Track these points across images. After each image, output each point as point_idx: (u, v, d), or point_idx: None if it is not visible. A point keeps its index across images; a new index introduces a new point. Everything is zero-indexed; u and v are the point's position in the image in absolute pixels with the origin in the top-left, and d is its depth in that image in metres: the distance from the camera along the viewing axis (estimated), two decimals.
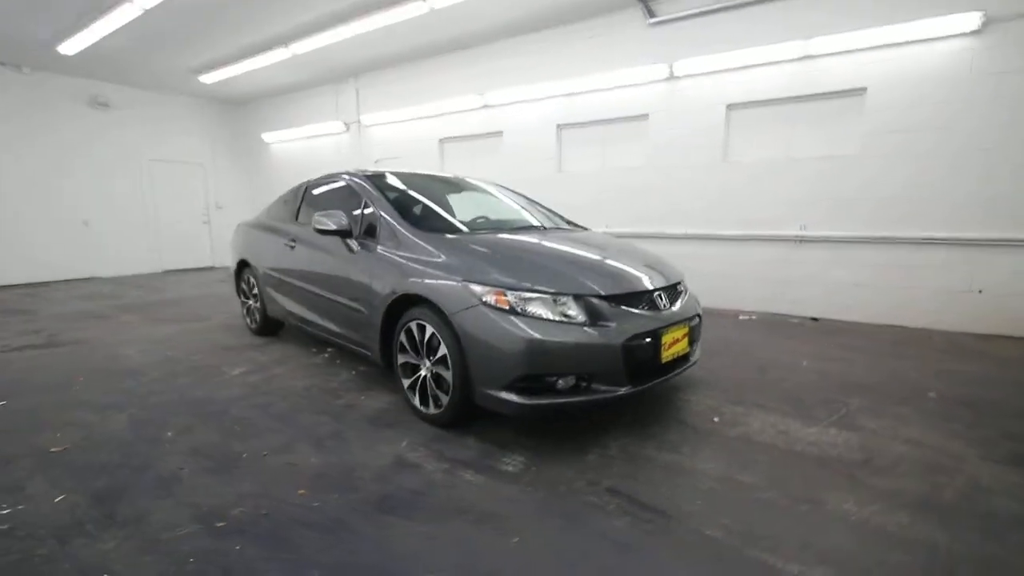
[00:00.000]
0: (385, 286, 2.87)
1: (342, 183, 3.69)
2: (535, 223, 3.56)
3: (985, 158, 4.46)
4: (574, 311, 2.35)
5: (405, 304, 2.80)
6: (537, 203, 4.12)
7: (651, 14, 5.81)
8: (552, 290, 2.37)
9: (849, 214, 5.08)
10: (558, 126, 6.79)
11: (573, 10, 6.12)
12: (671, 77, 5.82)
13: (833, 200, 5.14)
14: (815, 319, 5.30)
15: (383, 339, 2.96)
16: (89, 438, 2.59)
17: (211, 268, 10.43)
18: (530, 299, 2.34)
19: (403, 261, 2.80)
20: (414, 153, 8.24)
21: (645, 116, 6.12)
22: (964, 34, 4.40)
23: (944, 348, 4.19)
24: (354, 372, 3.62)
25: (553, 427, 2.67)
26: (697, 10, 5.53)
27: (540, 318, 2.30)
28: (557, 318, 2.31)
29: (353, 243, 3.19)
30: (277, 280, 4.11)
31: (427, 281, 2.60)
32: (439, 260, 2.66)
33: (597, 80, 6.27)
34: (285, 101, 10.01)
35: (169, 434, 2.63)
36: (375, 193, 3.28)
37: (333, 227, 3.14)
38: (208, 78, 8.42)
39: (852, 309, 5.18)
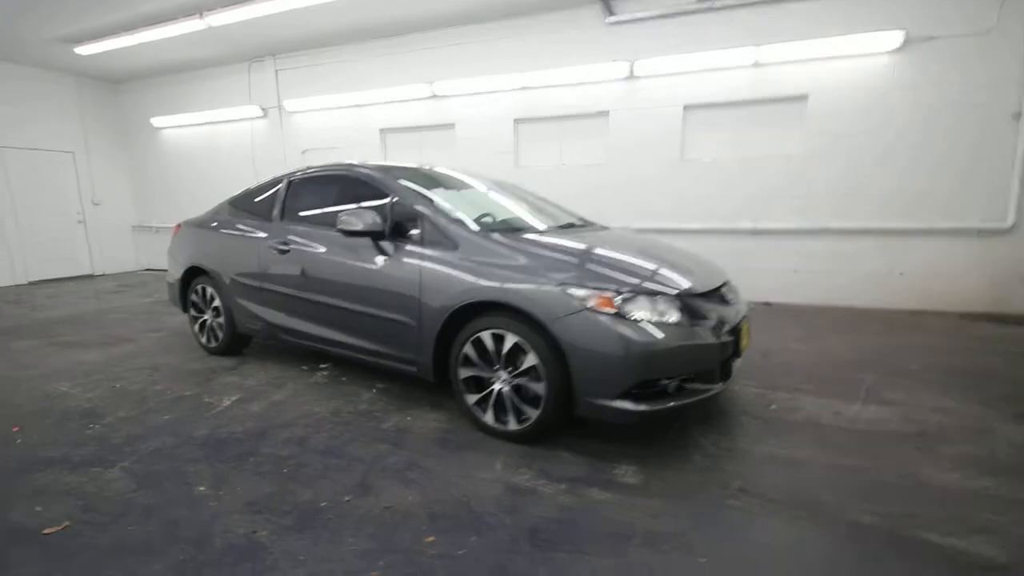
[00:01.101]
0: (444, 293, 2.58)
1: (347, 175, 3.27)
2: (569, 221, 3.43)
3: (903, 159, 5.19)
4: (675, 310, 2.29)
5: (468, 313, 2.55)
6: (544, 198, 3.99)
7: (610, 12, 5.91)
8: (658, 290, 2.30)
9: (793, 208, 5.63)
10: (515, 120, 6.66)
11: (530, 2, 6.02)
12: (631, 76, 5.98)
13: (780, 196, 5.66)
14: (768, 304, 5.83)
15: (437, 352, 2.68)
16: (92, 507, 2.00)
17: (91, 276, 8.72)
18: (635, 301, 2.24)
19: (469, 264, 2.54)
20: (351, 144, 7.59)
21: (605, 113, 6.23)
22: (888, 52, 5.07)
23: (887, 323, 4.83)
24: (374, 390, 3.24)
25: (631, 432, 2.58)
26: (655, 13, 5.74)
27: (648, 320, 2.21)
28: (662, 319, 2.24)
29: (387, 245, 2.83)
30: (256, 290, 3.52)
31: (511, 286, 2.37)
32: (519, 263, 2.44)
33: (556, 75, 6.24)
34: (182, 80, 8.64)
35: (202, 489, 2.12)
36: (409, 188, 2.94)
37: (362, 227, 2.77)
38: (86, 49, 6.97)
39: (797, 293, 5.77)
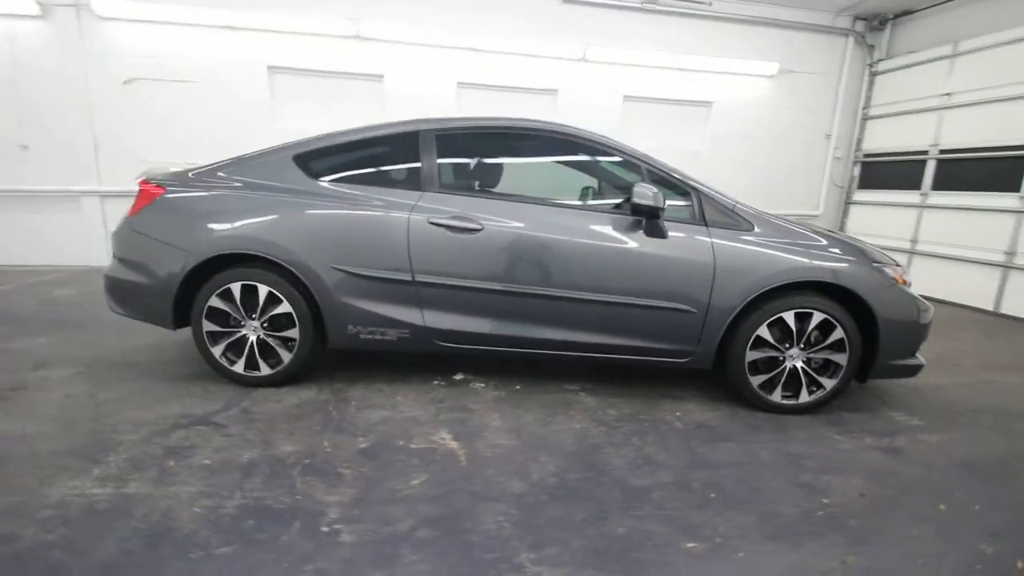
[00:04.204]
0: (749, 276, 2.46)
1: (552, 137, 2.70)
2: None
3: (768, 160, 6.94)
4: None
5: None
6: None
7: None
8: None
9: None
10: (459, 84, 6.04)
11: None
12: (583, 59, 6.17)
13: None
14: None
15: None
16: None
17: None
18: (908, 276, 2.66)
19: (780, 244, 2.51)
20: (215, 80, 5.53)
21: (554, 92, 6.27)
22: (768, 76, 6.64)
23: None
24: (581, 392, 2.80)
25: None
26: (605, 2, 6.05)
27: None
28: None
29: (663, 225, 2.49)
30: (400, 284, 2.52)
31: (835, 265, 2.48)
32: (821, 243, 2.56)
33: (508, 42, 5.94)
34: None
35: None
36: (657, 160, 2.62)
37: (654, 204, 2.38)
38: None
39: None
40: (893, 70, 6.45)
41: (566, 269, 2.51)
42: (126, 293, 2.68)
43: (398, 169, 2.68)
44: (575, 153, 2.77)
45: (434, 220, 2.50)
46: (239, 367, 2.64)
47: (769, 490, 1.96)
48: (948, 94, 5.67)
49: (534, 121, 2.72)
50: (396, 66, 5.85)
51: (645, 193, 2.36)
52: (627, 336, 2.58)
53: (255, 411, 2.43)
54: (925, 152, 5.95)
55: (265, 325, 2.60)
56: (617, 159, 2.70)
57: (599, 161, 2.80)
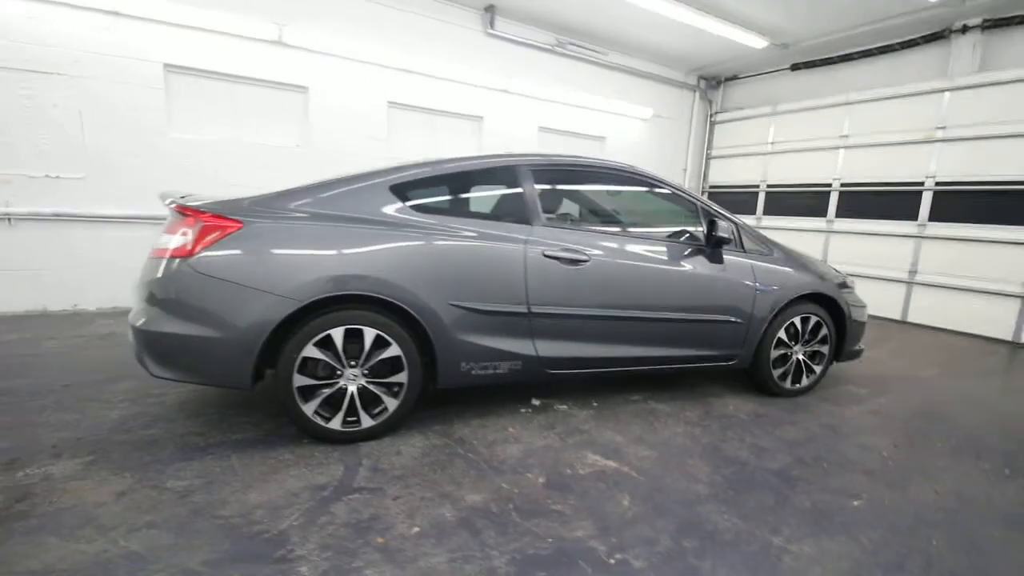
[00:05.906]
0: (776, 292, 3.12)
1: (616, 174, 3.12)
2: None
3: None
4: None
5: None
6: None
7: (492, 25, 6.25)
8: None
9: None
10: (390, 103, 5.85)
11: None
12: (506, 91, 6.54)
13: None
14: None
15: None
16: None
17: None
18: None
19: (793, 265, 3.23)
20: (91, 74, 4.40)
21: (480, 118, 6.50)
22: (644, 119, 7.90)
23: None
24: (648, 401, 3.13)
25: None
26: (525, 40, 6.54)
27: None
28: None
29: (722, 252, 3.00)
30: (517, 317, 2.55)
31: (821, 281, 3.27)
32: (812, 264, 3.36)
33: (436, 66, 5.99)
34: None
35: None
36: (705, 202, 3.13)
37: (728, 236, 2.89)
38: None
39: None
40: (728, 121, 8.28)
41: (657, 293, 2.85)
42: (182, 351, 2.15)
43: (504, 202, 2.70)
44: (643, 190, 3.13)
45: (548, 253, 2.60)
46: (336, 423, 2.33)
47: (848, 453, 2.58)
48: (771, 143, 7.56)
49: (612, 161, 3.06)
50: (323, 78, 5.41)
51: (724, 227, 2.86)
52: (697, 346, 3.03)
53: (386, 467, 2.20)
54: (757, 186, 7.78)
55: (366, 372, 2.36)
56: (668, 193, 3.13)
57: (660, 197, 3.20)
